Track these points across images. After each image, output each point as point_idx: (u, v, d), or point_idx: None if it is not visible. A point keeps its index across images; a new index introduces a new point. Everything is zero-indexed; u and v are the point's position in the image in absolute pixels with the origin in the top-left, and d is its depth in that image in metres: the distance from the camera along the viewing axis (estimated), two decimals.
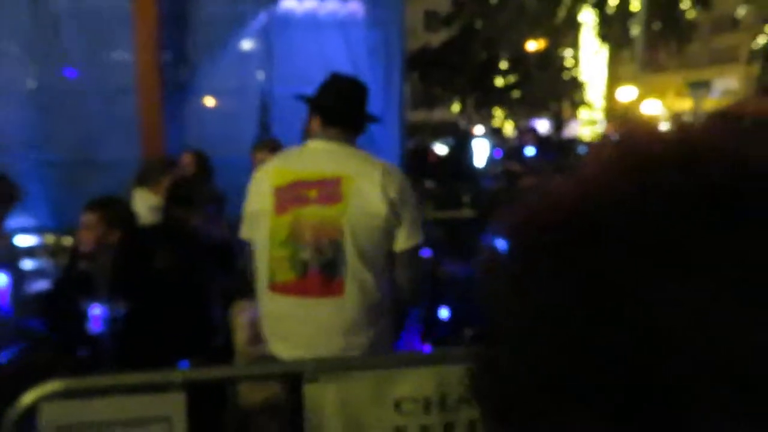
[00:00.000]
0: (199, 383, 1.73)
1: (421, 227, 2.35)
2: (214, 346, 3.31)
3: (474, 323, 3.13)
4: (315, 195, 2.22)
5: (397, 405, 1.80)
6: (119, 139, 5.40)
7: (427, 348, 3.80)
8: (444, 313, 3.81)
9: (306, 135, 2.48)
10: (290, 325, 2.21)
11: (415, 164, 8.43)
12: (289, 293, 2.21)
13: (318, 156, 2.30)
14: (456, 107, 15.01)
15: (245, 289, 3.48)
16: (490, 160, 9.46)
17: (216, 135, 5.80)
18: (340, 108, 2.35)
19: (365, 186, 2.22)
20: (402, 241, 2.27)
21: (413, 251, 2.32)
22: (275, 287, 2.23)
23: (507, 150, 8.55)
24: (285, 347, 2.19)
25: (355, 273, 2.19)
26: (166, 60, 5.64)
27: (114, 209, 2.86)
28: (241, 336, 3.38)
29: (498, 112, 14.22)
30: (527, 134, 8.27)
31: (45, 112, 5.42)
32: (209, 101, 6.14)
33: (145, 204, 3.45)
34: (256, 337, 3.37)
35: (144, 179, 3.63)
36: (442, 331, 3.85)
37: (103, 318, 2.62)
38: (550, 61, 14.23)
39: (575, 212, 0.39)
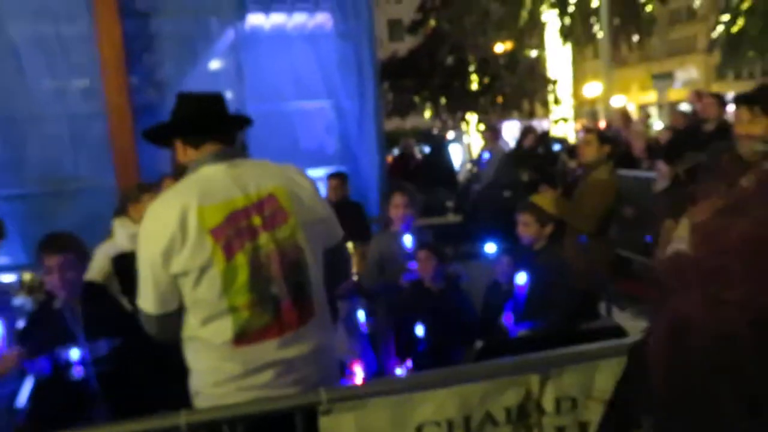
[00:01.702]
0: (204, 425, 1.60)
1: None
2: None
3: (481, 336, 3.03)
4: (260, 221, 1.94)
5: (419, 430, 1.69)
6: (91, 166, 5.24)
7: (408, 364, 3.63)
8: (420, 330, 3.62)
9: (178, 168, 2.14)
10: (272, 372, 1.92)
11: (399, 171, 8.37)
12: (266, 338, 1.91)
13: (232, 179, 1.97)
14: (428, 113, 15.03)
15: None
16: (472, 164, 9.43)
17: None
18: (212, 122, 2.08)
19: (299, 193, 2.05)
20: (335, 235, 2.17)
21: (343, 243, 2.25)
22: (245, 339, 1.90)
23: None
24: (271, 393, 1.88)
25: (317, 286, 2.05)
26: (134, 82, 5.48)
27: (78, 247, 2.68)
28: None
29: (469, 116, 14.26)
30: (528, 134, 8.24)
31: (9, 144, 5.22)
32: None
33: (125, 233, 3.30)
34: None
35: (122, 208, 3.49)
36: (421, 346, 3.66)
37: (84, 361, 2.46)
38: (517, 61, 14.30)
39: None
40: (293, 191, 2.02)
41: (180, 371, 2.63)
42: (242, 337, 1.89)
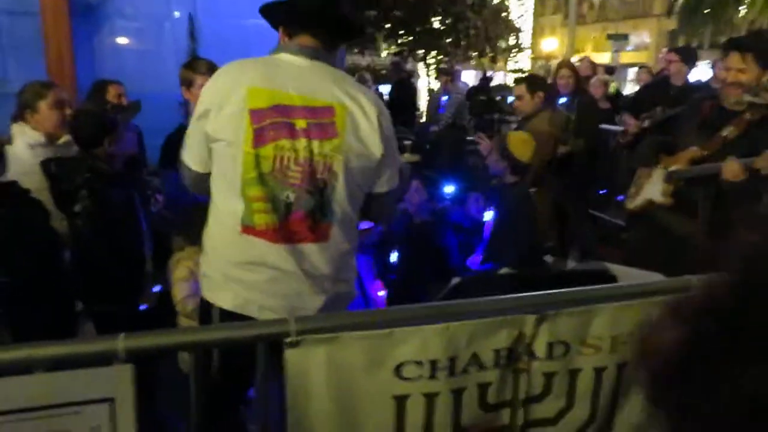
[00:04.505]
0: (147, 352, 1.34)
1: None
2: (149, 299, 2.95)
3: (458, 273, 2.88)
4: (304, 125, 1.80)
5: (398, 370, 1.48)
6: (21, 69, 4.72)
7: (382, 293, 3.63)
8: (394, 256, 3.63)
9: None
10: (268, 273, 1.84)
11: None
12: (267, 238, 1.83)
13: (300, 74, 1.83)
14: (385, 52, 14.57)
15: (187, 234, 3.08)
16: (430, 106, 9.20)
17: (133, 67, 5.18)
18: (316, 17, 1.87)
19: (361, 120, 1.85)
20: (385, 183, 1.97)
21: (393, 194, 2.04)
22: (251, 229, 1.83)
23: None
24: (259, 298, 1.84)
25: (343, 217, 1.88)
26: None
27: None
28: (179, 290, 2.98)
29: (430, 59, 13.90)
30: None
31: None
32: (123, 36, 5.45)
33: (24, 141, 2.82)
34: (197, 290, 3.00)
35: (21, 112, 2.92)
36: (393, 276, 3.68)
37: None
38: (484, 4, 13.94)
39: None
40: (355, 117, 1.85)
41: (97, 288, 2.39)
42: (249, 226, 1.83)
